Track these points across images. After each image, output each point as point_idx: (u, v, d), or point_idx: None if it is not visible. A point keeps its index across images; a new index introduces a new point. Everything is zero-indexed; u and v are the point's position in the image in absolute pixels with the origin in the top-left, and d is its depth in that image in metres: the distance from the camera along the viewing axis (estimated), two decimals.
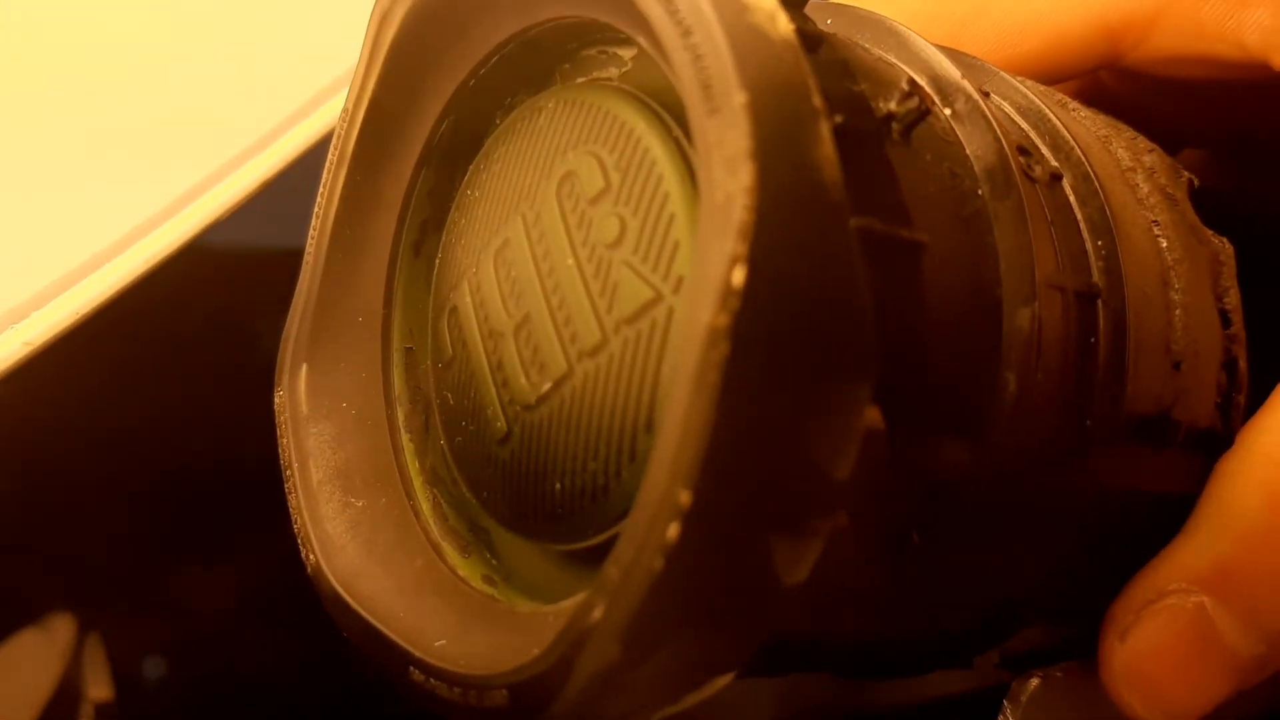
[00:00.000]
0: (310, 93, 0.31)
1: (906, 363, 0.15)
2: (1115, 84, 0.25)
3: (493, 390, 0.18)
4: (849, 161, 0.15)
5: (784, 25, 0.15)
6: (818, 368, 0.14)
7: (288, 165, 0.30)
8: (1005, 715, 0.19)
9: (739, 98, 0.14)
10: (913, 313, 0.16)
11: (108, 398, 0.36)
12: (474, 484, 0.19)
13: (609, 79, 0.19)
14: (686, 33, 0.15)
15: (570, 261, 0.17)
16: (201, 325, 0.39)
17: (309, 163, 0.30)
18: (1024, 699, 0.19)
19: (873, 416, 0.14)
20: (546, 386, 0.17)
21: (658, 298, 0.16)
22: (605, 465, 0.16)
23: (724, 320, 0.13)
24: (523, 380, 0.18)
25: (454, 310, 0.19)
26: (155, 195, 0.28)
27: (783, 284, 0.14)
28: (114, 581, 0.36)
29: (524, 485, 0.18)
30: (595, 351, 0.17)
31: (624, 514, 0.16)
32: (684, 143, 0.17)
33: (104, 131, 0.31)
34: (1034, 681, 0.19)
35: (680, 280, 0.16)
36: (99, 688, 0.32)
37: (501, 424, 0.18)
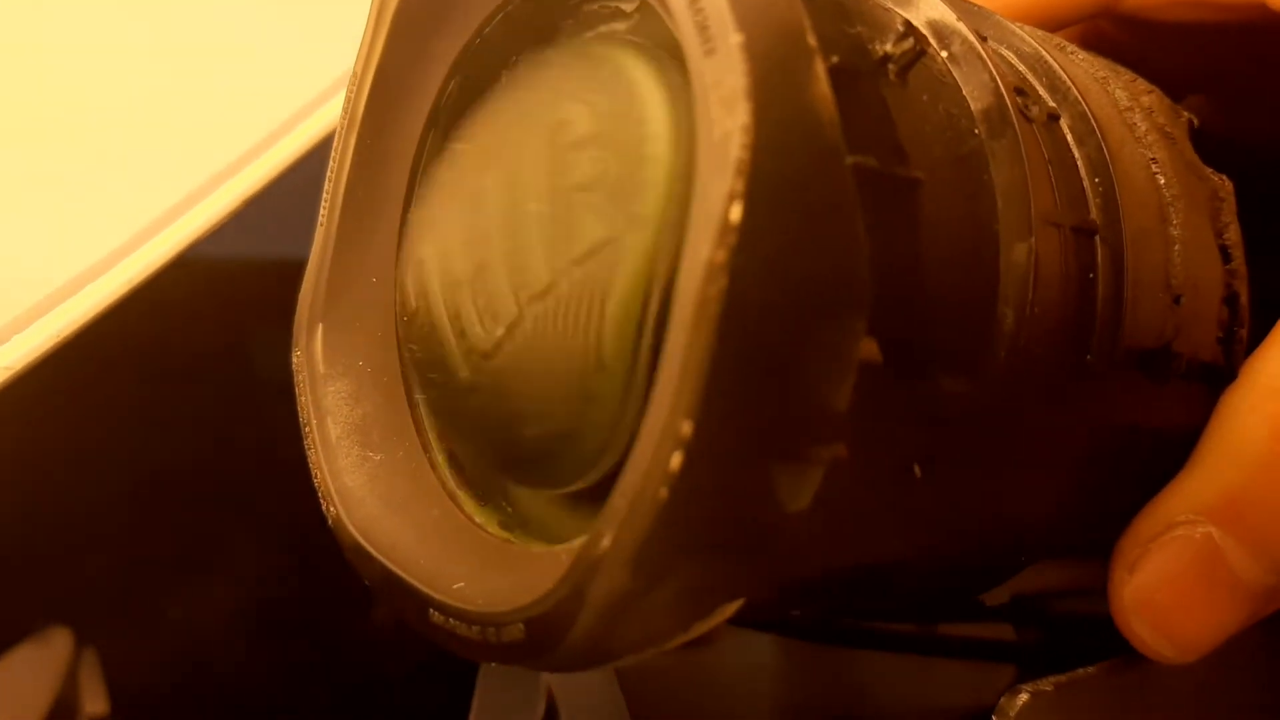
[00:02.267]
0: (298, 104, 0.31)
1: (903, 297, 0.16)
2: (1114, 30, 0.25)
3: (452, 340, 0.18)
4: (845, 101, 0.15)
5: None
6: (814, 301, 0.14)
7: (275, 178, 0.30)
8: None
9: (735, 38, 0.14)
10: (908, 248, 0.16)
11: (102, 412, 0.36)
12: (453, 434, 0.20)
13: (613, 32, 0.19)
14: None
15: (534, 206, 0.17)
16: (192, 338, 0.39)
17: (297, 174, 0.30)
18: (1013, 714, 0.19)
19: (869, 349, 0.15)
20: (499, 332, 0.17)
21: (611, 238, 0.16)
22: (565, 407, 0.17)
23: (722, 255, 0.14)
24: (478, 328, 0.18)
25: (420, 262, 0.19)
26: (140, 211, 0.29)
27: (779, 220, 0.14)
28: (109, 596, 0.36)
29: (497, 434, 0.18)
30: (544, 294, 0.17)
31: (599, 452, 0.17)
32: (682, 88, 0.17)
33: (87, 147, 0.31)
34: (1023, 696, 0.19)
35: (641, 219, 0.16)
36: (94, 702, 0.33)
37: (465, 374, 0.18)
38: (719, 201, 0.14)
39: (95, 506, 0.36)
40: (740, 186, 0.14)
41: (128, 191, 0.30)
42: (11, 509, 0.34)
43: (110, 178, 0.31)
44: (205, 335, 0.39)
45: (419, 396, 0.20)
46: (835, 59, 0.15)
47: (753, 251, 0.14)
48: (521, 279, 0.17)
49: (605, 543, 0.15)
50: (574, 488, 0.17)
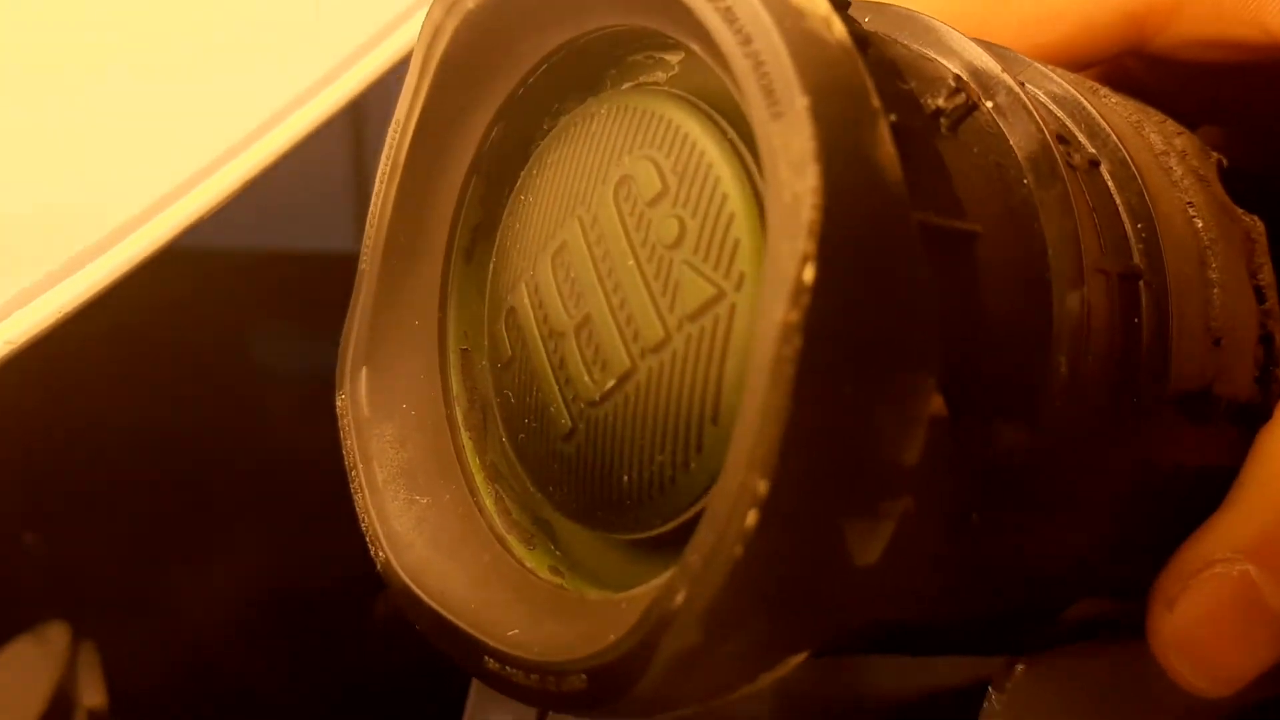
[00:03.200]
0: (292, 93, 0.31)
1: (966, 350, 0.16)
2: (1140, 69, 0.26)
3: (556, 388, 0.19)
4: (904, 157, 0.15)
5: (839, 29, 0.15)
6: (885, 358, 0.15)
7: (271, 165, 0.30)
8: (990, 702, 0.19)
9: (801, 101, 0.15)
10: (970, 301, 0.16)
11: (99, 405, 0.36)
12: (539, 479, 0.20)
13: (657, 82, 0.19)
14: (746, 40, 0.15)
15: (630, 262, 0.18)
16: (190, 329, 0.39)
17: (293, 165, 0.30)
18: (1009, 685, 0.19)
19: (937, 404, 0.15)
20: (610, 384, 0.18)
21: (720, 294, 0.17)
22: (673, 457, 0.17)
23: (796, 316, 0.14)
24: (586, 378, 0.18)
25: (512, 311, 0.20)
26: (138, 194, 0.28)
27: (851, 279, 0.14)
28: (107, 589, 0.36)
29: (591, 479, 0.18)
30: (659, 348, 0.17)
31: (691, 503, 0.17)
32: (739, 144, 0.17)
33: (86, 128, 0.31)
34: (1019, 668, 0.19)
35: (742, 276, 0.17)
36: (92, 694, 0.33)
37: (566, 421, 0.19)
38: (792, 263, 0.14)
39: (92, 500, 0.36)
40: (812, 248, 0.14)
41: (120, 177, 0.30)
42: (8, 503, 0.34)
43: (104, 164, 0.30)
44: (203, 326, 0.40)
45: (504, 440, 0.21)
46: (894, 117, 0.16)
47: (826, 311, 0.14)
48: (633, 332, 0.17)
49: (679, 599, 0.15)
50: (646, 535, 0.18)
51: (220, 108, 0.31)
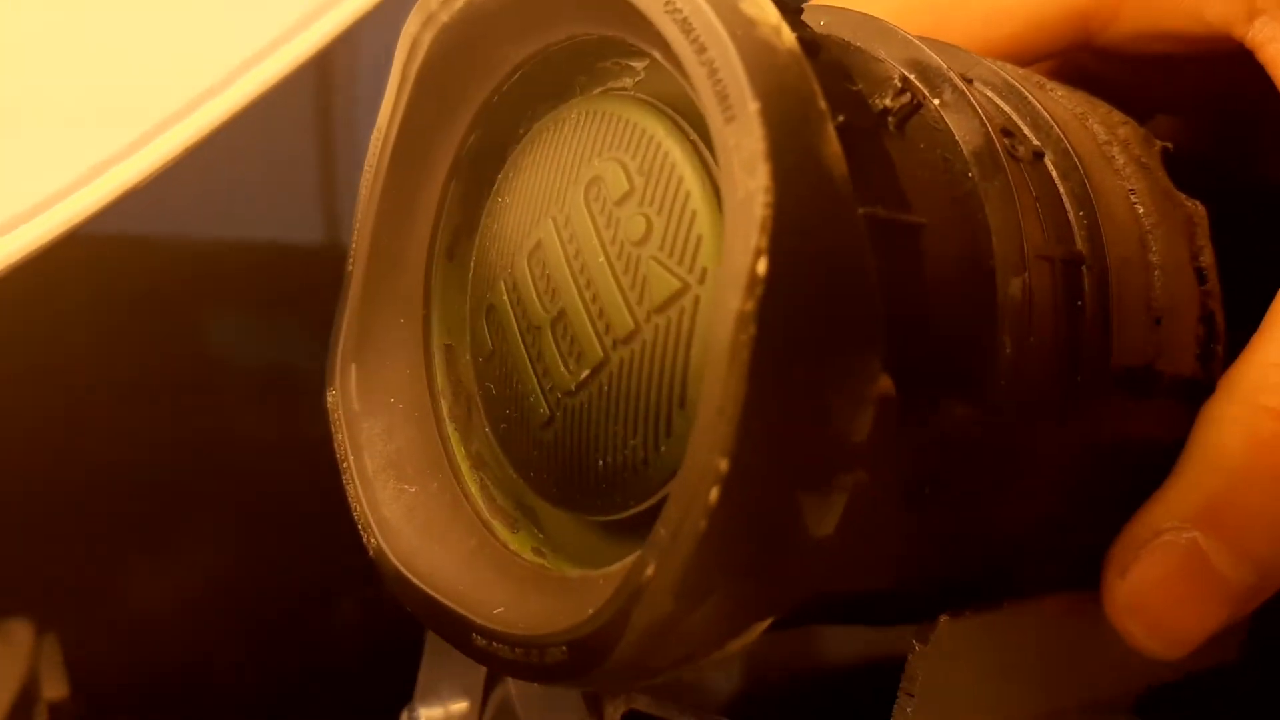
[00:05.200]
0: (228, 66, 0.30)
1: (913, 333, 0.17)
2: (1090, 61, 0.27)
3: (534, 379, 0.20)
4: (852, 155, 0.16)
5: (788, 37, 0.16)
6: (834, 343, 0.16)
7: (203, 139, 0.29)
8: (915, 653, 0.20)
9: (752, 106, 0.16)
10: (916, 288, 0.17)
11: (56, 397, 0.36)
12: (521, 465, 0.21)
13: (624, 88, 0.21)
14: (701, 49, 0.16)
15: (601, 259, 0.19)
16: (150, 318, 0.39)
17: (258, 153, 0.30)
18: (932, 637, 0.20)
19: (885, 384, 0.16)
20: (585, 373, 0.19)
21: (685, 288, 0.18)
22: (644, 441, 0.18)
23: (751, 306, 0.15)
24: (562, 369, 0.19)
25: (492, 308, 0.21)
26: (65, 167, 0.28)
27: (800, 270, 0.16)
28: (69, 583, 0.37)
29: (569, 464, 0.20)
30: (629, 339, 0.18)
31: (663, 483, 0.18)
32: (700, 145, 0.18)
33: (12, 101, 0.30)
34: (943, 619, 0.20)
35: (704, 271, 0.18)
36: (55, 687, 0.33)
37: (544, 410, 0.20)
38: (746, 256, 0.15)
39: (52, 494, 0.36)
40: (764, 243, 0.15)
41: (57, 147, 0.29)
42: None
43: (39, 133, 0.30)
44: (164, 317, 0.39)
45: (487, 430, 0.22)
46: (841, 118, 0.17)
47: (778, 301, 0.15)
48: (605, 324, 0.19)
49: (649, 571, 0.16)
50: (621, 515, 0.19)
51: (153, 82, 0.30)
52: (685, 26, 0.17)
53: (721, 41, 0.16)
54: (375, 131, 0.23)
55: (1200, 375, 0.22)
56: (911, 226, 0.17)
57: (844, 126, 0.17)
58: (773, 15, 0.17)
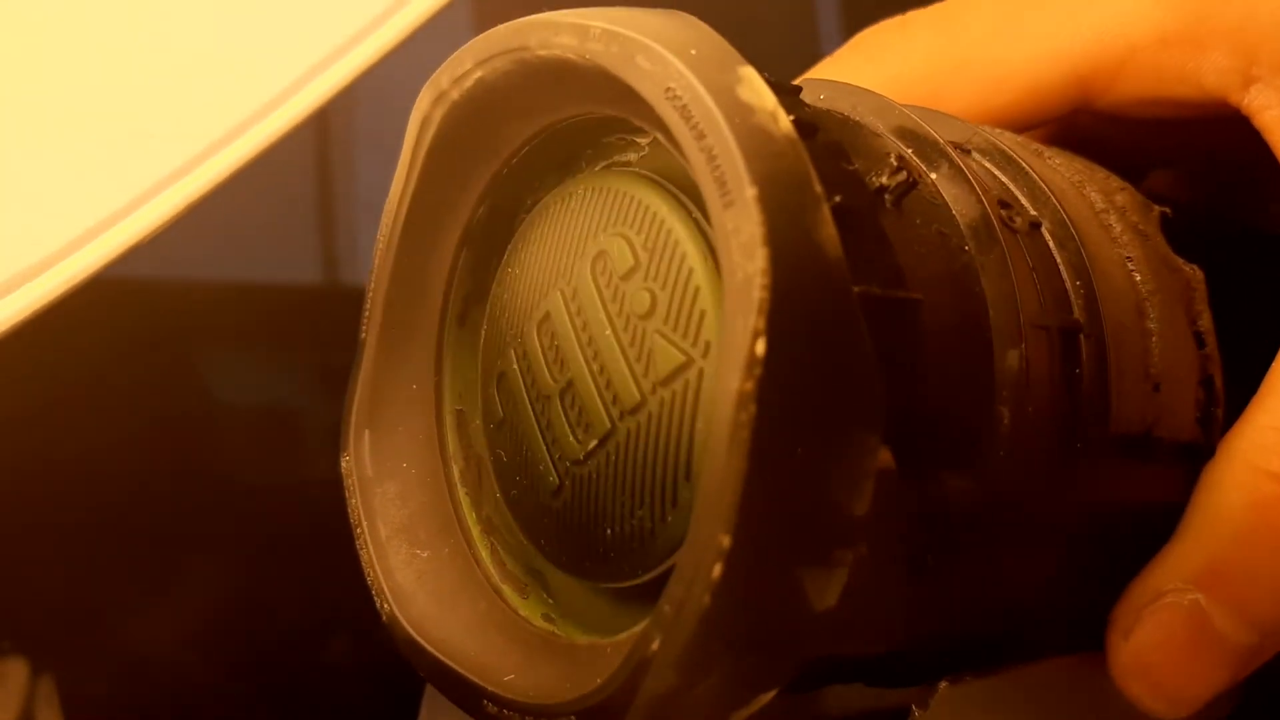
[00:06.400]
0: (237, 118, 0.30)
1: (911, 407, 0.17)
2: (1091, 123, 0.27)
3: (543, 448, 0.20)
4: (848, 235, 0.17)
5: (784, 121, 0.17)
6: (833, 420, 0.16)
7: (212, 190, 0.29)
8: (914, 718, 0.20)
9: (749, 191, 0.16)
10: (914, 362, 0.18)
11: (53, 436, 0.36)
12: (530, 531, 0.21)
13: (628, 163, 0.21)
14: (700, 135, 0.17)
15: (608, 331, 0.19)
16: (147, 358, 0.39)
17: (256, 195, 0.30)
18: (932, 702, 0.20)
19: (884, 458, 0.17)
20: (593, 443, 0.19)
21: (689, 361, 0.18)
22: (651, 512, 0.19)
23: (750, 385, 0.16)
24: (571, 438, 0.20)
25: (503, 376, 0.22)
26: (75, 216, 0.28)
27: (798, 350, 0.16)
28: (64, 621, 0.36)
29: (577, 532, 0.20)
30: (635, 410, 0.19)
31: (669, 553, 0.19)
32: (702, 223, 0.19)
33: (19, 148, 0.30)
34: (943, 685, 0.20)
35: (708, 345, 0.18)
36: None
37: (553, 478, 0.20)
38: (745, 337, 0.16)
39: (50, 532, 0.37)
40: (762, 324, 0.16)
41: (65, 197, 0.29)
42: None
43: (47, 181, 0.30)
44: (160, 357, 0.39)
45: (498, 496, 0.22)
46: (838, 198, 0.17)
47: (777, 380, 0.16)
48: (612, 396, 0.19)
49: (654, 645, 0.16)
50: (629, 583, 0.19)
51: (163, 132, 0.30)
52: (685, 113, 0.17)
53: (719, 128, 0.17)
54: (387, 202, 0.23)
55: (1200, 439, 0.22)
56: (907, 303, 0.18)
57: (840, 207, 0.17)
58: (769, 101, 0.17)
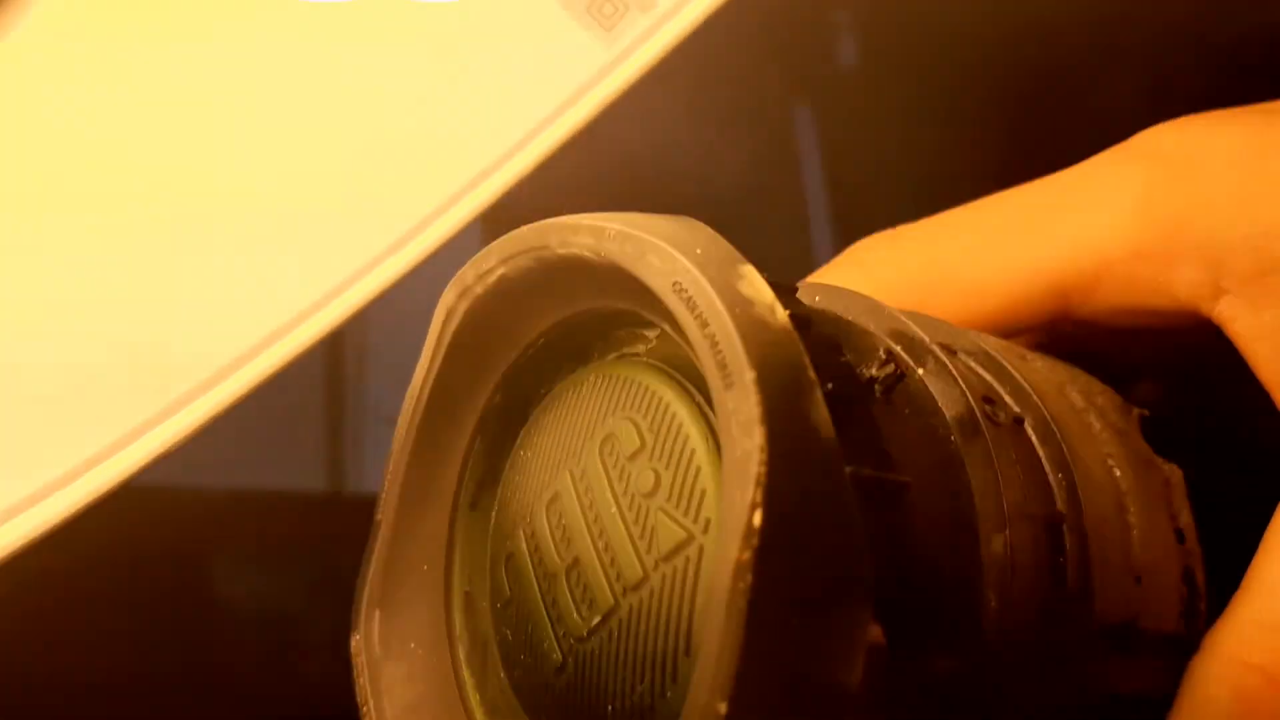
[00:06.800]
0: (259, 335, 0.32)
1: (901, 585, 0.18)
2: (1072, 329, 0.29)
3: (548, 625, 0.21)
4: (841, 420, 0.18)
5: (781, 315, 0.18)
6: (826, 593, 0.17)
7: (231, 405, 0.31)
8: None
9: (749, 375, 0.18)
10: (903, 541, 0.19)
11: (56, 645, 0.37)
12: (534, 711, 0.22)
13: (637, 353, 0.23)
14: (704, 324, 0.18)
15: (613, 509, 0.20)
16: (153, 566, 0.40)
17: (265, 403, 0.32)
18: None
19: (875, 633, 0.17)
20: (596, 619, 0.20)
21: (690, 538, 0.19)
22: (651, 687, 0.19)
23: (747, 555, 0.17)
24: (575, 615, 0.21)
25: (511, 556, 0.23)
26: (97, 431, 0.30)
27: (794, 523, 0.17)
28: None
29: (580, 710, 0.20)
30: (638, 586, 0.20)
31: None
32: (704, 407, 0.20)
33: (44, 368, 0.32)
34: None
35: (708, 522, 0.19)
36: None
37: (557, 655, 0.21)
38: (743, 509, 0.17)
39: None
40: (759, 497, 0.17)
41: (88, 412, 0.30)
42: None
43: (71, 399, 0.31)
44: (167, 566, 0.40)
45: (502, 676, 0.23)
46: (830, 386, 0.18)
47: (773, 551, 0.17)
48: (616, 572, 0.20)
49: None
50: None
51: (185, 348, 0.32)
52: (690, 305, 0.19)
53: (721, 318, 0.18)
54: (410, 389, 0.25)
55: (1184, 632, 0.23)
56: (897, 484, 0.19)
57: (833, 394, 0.18)
58: (768, 296, 0.19)
